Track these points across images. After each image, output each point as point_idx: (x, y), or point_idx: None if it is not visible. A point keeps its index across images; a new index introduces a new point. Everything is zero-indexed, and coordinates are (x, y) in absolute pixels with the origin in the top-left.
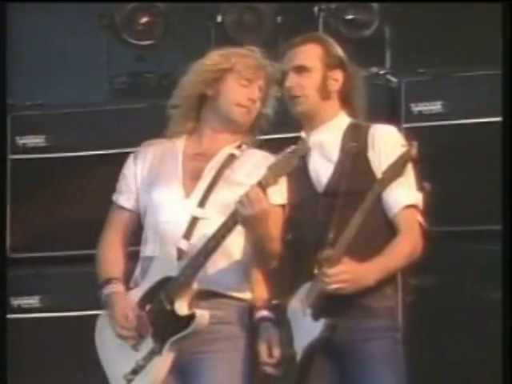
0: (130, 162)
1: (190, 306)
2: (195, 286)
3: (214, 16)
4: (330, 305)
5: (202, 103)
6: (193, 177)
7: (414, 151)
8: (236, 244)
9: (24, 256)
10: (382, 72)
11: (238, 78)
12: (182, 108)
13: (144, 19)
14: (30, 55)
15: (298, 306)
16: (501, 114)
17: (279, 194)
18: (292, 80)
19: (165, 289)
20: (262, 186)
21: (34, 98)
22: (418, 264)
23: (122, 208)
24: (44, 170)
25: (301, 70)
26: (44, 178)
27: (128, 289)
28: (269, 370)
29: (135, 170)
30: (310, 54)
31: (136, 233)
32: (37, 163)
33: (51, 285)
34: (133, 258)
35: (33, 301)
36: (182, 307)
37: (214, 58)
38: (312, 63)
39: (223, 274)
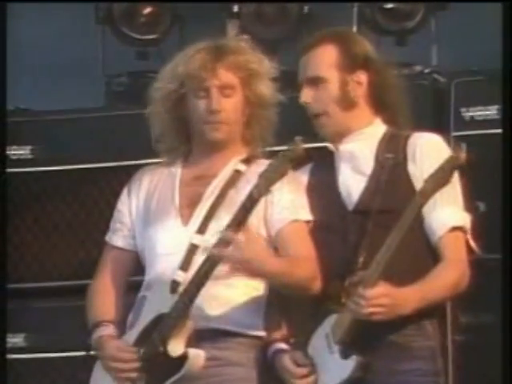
0: (123, 196)
1: (188, 346)
2: (190, 323)
3: (228, 6)
4: (361, 341)
5: (186, 122)
6: (191, 203)
7: (462, 155)
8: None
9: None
10: (427, 71)
11: (192, 90)
12: (167, 137)
13: (147, 10)
14: (10, 52)
15: (322, 342)
16: None
17: (302, 209)
18: (307, 95)
19: (158, 328)
20: (238, 222)
21: (17, 102)
22: (469, 298)
23: (116, 248)
24: (29, 186)
25: (315, 81)
26: (28, 197)
27: (123, 333)
28: (304, 382)
29: (129, 205)
30: (322, 60)
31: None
32: (21, 178)
33: (38, 321)
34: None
35: (17, 339)
36: (175, 347)
37: (163, 77)
38: (326, 71)
39: (227, 308)
